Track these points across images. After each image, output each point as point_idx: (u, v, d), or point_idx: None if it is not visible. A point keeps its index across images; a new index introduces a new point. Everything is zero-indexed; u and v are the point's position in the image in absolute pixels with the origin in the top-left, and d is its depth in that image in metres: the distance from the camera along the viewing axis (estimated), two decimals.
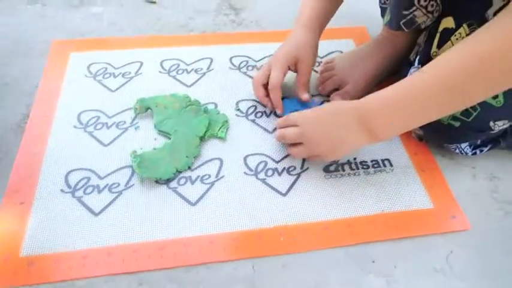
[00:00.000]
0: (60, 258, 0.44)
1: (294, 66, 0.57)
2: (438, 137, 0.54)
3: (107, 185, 0.50)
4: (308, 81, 0.58)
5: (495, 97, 0.46)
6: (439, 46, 0.49)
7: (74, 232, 0.46)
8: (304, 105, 0.58)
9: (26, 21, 0.73)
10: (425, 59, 0.51)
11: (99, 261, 0.44)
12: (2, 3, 0.76)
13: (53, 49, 0.67)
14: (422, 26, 0.50)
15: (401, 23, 0.50)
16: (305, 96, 0.57)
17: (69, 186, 0.50)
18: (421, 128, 0.52)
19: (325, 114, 0.49)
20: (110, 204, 0.48)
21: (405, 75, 0.56)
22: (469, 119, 0.48)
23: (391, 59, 0.61)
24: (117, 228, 0.46)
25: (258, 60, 0.68)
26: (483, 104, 0.47)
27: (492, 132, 0.50)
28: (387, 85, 0.62)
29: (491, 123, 0.49)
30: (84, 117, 0.57)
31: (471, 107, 0.47)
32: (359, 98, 0.61)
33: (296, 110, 0.53)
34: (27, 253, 0.44)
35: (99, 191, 0.49)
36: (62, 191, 0.49)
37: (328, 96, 0.61)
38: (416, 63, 0.52)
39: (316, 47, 0.58)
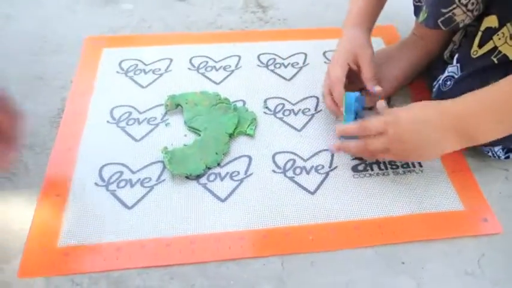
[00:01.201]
0: (94, 249, 0.45)
1: (353, 64, 0.55)
2: None
3: (139, 179, 0.51)
4: (373, 75, 0.55)
5: None
6: (480, 45, 0.48)
7: (108, 224, 0.47)
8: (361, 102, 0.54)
9: (58, 18, 0.75)
10: (465, 58, 0.50)
11: (132, 253, 0.45)
12: (35, 0, 0.78)
13: (85, 45, 0.68)
14: (461, 25, 0.49)
15: (439, 21, 0.49)
16: (377, 88, 0.54)
17: (103, 179, 0.51)
18: None
19: (414, 119, 0.45)
20: (142, 198, 0.49)
21: (439, 74, 0.56)
22: None
23: (423, 58, 0.60)
24: (150, 222, 0.47)
25: (286, 58, 0.68)
26: None
27: None
28: (418, 84, 0.63)
29: None
30: (116, 113, 0.58)
31: None
32: (389, 98, 0.61)
33: (357, 112, 0.52)
34: (64, 244, 0.45)
35: (132, 185, 0.50)
36: (96, 184, 0.50)
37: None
38: (455, 62, 0.52)
39: (371, 44, 0.57)
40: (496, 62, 0.47)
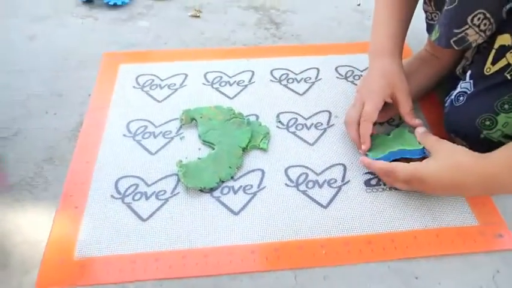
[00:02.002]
0: (110, 261, 0.46)
1: (390, 98, 0.55)
2: (486, 152, 0.52)
3: (154, 192, 0.52)
4: (412, 109, 0.54)
5: None
6: (494, 63, 0.48)
7: (123, 236, 0.48)
8: (406, 153, 0.52)
9: (79, 35, 0.77)
10: (478, 75, 0.50)
11: (147, 266, 0.46)
12: (57, 19, 0.81)
13: (103, 61, 0.71)
14: (473, 45, 0.49)
15: (451, 41, 0.49)
16: (416, 121, 0.54)
17: (119, 192, 0.52)
18: (469, 142, 0.51)
19: (442, 183, 0.46)
20: (157, 210, 0.50)
21: (451, 89, 0.56)
22: None
23: (436, 74, 0.61)
24: (164, 234, 0.48)
25: (298, 73, 0.69)
26: None
27: None
28: (430, 99, 0.63)
29: None
30: (132, 127, 0.60)
31: None
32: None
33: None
34: (80, 256, 0.46)
35: (147, 198, 0.52)
36: (112, 196, 0.52)
37: None
38: (468, 78, 0.52)
39: (404, 73, 0.56)
40: (509, 78, 0.47)
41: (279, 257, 0.46)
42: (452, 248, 0.47)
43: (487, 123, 0.48)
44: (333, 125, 0.61)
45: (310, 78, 0.68)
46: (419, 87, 0.61)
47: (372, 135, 0.54)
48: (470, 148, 0.51)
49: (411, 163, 0.48)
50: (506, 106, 0.47)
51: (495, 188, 0.45)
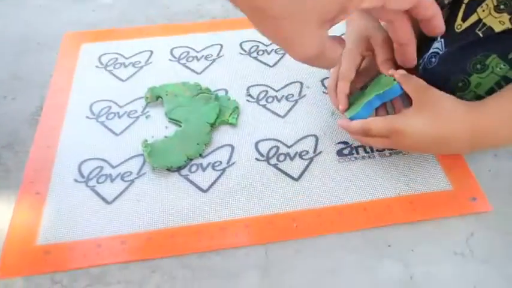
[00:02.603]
0: (75, 246, 0.44)
1: (367, 51, 0.51)
2: None
3: (119, 173, 0.50)
4: (388, 58, 0.49)
5: None
6: (464, 19, 0.46)
7: (88, 221, 0.46)
8: (382, 97, 0.48)
9: (39, 17, 0.73)
10: (448, 33, 0.48)
11: (113, 249, 0.44)
12: (16, 2, 0.77)
13: (64, 42, 0.67)
14: (446, 1, 0.47)
15: None
16: (391, 71, 0.48)
17: (82, 175, 0.50)
18: None
19: (423, 138, 0.43)
20: (122, 192, 0.48)
21: (425, 51, 0.54)
22: None
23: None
24: (130, 216, 0.46)
25: (269, 44, 0.67)
26: (511, 82, 0.45)
27: None
28: None
29: None
30: (96, 108, 0.57)
31: (497, 86, 0.45)
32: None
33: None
34: (43, 242, 0.44)
35: (112, 180, 0.50)
36: (75, 180, 0.50)
37: None
38: (438, 37, 0.50)
39: (383, 27, 0.51)
40: (480, 35, 0.45)
41: (249, 232, 0.45)
42: (426, 214, 0.46)
43: (460, 84, 0.47)
44: (305, 95, 0.59)
45: (281, 49, 0.66)
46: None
47: (350, 95, 0.51)
48: None
49: (388, 116, 0.46)
50: (478, 66, 0.45)
51: (485, 142, 0.43)
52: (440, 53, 0.49)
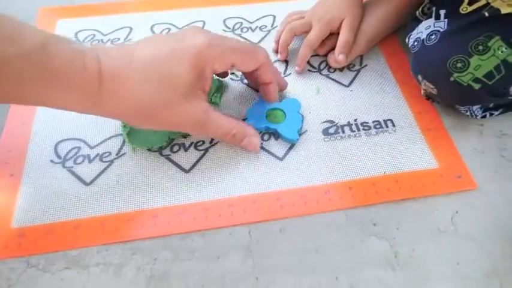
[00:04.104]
0: (51, 228, 0.43)
1: (336, 28, 0.56)
2: (453, 97, 0.50)
3: (98, 154, 0.48)
4: (347, 43, 0.55)
5: None
6: (471, 3, 0.46)
7: (65, 202, 0.44)
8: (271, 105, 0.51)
9: None
10: (453, 14, 0.47)
11: (92, 231, 0.43)
12: None
13: (39, 17, 0.64)
14: None
15: None
16: (341, 57, 0.55)
17: (59, 156, 0.48)
18: (436, 87, 0.49)
19: None
20: (101, 173, 0.47)
21: (409, 31, 0.53)
22: (491, 82, 0.45)
23: (391, 14, 0.57)
24: (109, 197, 0.45)
25: (253, 21, 0.65)
26: (509, 68, 0.44)
27: (508, 98, 0.47)
28: (389, 41, 0.60)
29: (511, 89, 0.45)
30: None
31: (496, 70, 0.44)
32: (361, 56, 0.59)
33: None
34: (18, 225, 0.43)
35: (90, 161, 0.48)
36: (51, 161, 0.48)
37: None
38: (442, 17, 0.49)
39: (362, 5, 0.57)
40: (486, 15, 0.44)
41: (232, 212, 0.44)
42: (412, 192, 0.46)
43: (459, 65, 0.45)
44: (290, 74, 0.57)
45: (266, 26, 0.64)
46: (376, 28, 0.57)
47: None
48: (438, 92, 0.49)
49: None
50: (480, 47, 0.44)
51: None
52: (442, 30, 0.48)
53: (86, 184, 0.46)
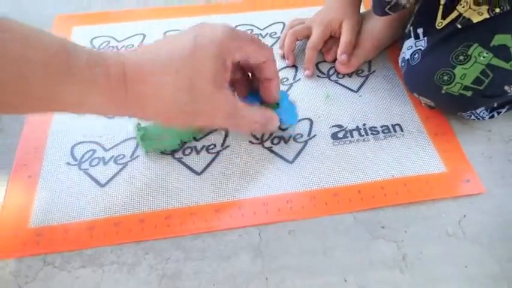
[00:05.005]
0: (67, 228, 0.44)
1: (336, 31, 0.58)
2: (451, 107, 0.51)
3: (112, 156, 0.50)
4: (349, 42, 0.57)
5: (508, 60, 0.44)
6: (444, 17, 0.47)
7: (80, 203, 0.46)
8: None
9: None
10: (430, 32, 0.49)
11: (106, 231, 0.44)
12: None
13: (55, 23, 0.66)
14: (408, 6, 0.48)
15: (386, 9, 0.49)
16: (342, 57, 0.56)
17: (75, 158, 0.50)
18: (431, 99, 0.50)
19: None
20: (115, 175, 0.48)
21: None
22: (482, 87, 0.46)
23: (395, 21, 0.58)
24: (123, 198, 0.46)
25: (263, 29, 0.66)
26: (496, 70, 0.44)
27: (508, 95, 0.47)
28: (396, 47, 0.61)
29: (506, 87, 0.46)
30: None
31: (483, 74, 0.45)
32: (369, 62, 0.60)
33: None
34: (36, 224, 0.44)
35: (105, 163, 0.49)
36: (68, 163, 0.49)
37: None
38: (421, 36, 0.50)
39: (358, 11, 0.59)
40: (459, 27, 0.45)
41: (243, 214, 0.45)
42: (420, 196, 0.46)
43: (445, 77, 0.46)
44: (299, 79, 0.59)
45: (276, 33, 0.66)
46: (381, 34, 0.59)
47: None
48: (436, 105, 0.51)
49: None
50: (461, 57, 0.45)
51: None
52: (423, 49, 0.49)
53: (101, 186, 0.47)
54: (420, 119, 0.53)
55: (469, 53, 0.45)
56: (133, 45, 0.63)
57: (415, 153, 0.50)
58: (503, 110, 0.52)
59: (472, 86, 0.46)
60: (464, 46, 0.45)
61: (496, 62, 0.44)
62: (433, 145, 0.51)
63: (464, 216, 0.45)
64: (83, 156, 0.50)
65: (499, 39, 0.44)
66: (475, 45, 0.45)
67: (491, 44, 0.44)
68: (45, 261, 0.42)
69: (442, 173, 0.48)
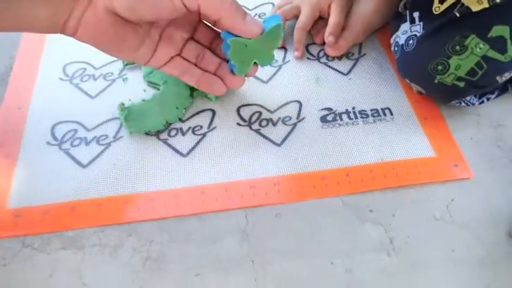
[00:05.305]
0: (48, 209, 0.42)
1: (325, 11, 0.57)
2: (442, 96, 0.51)
3: (95, 137, 0.48)
4: (337, 24, 0.55)
5: (503, 52, 0.43)
6: (442, 1, 0.45)
7: (61, 184, 0.44)
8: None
9: None
10: (427, 17, 0.47)
11: (88, 212, 0.42)
12: None
13: None
14: None
15: None
16: (329, 39, 0.55)
17: (55, 138, 0.48)
18: (422, 87, 0.50)
19: None
20: (98, 156, 0.47)
21: (396, 27, 0.53)
22: (475, 78, 0.45)
23: (385, 3, 0.57)
24: (106, 179, 0.45)
25: (253, 9, 0.64)
26: (491, 62, 0.44)
27: (498, 83, 0.47)
28: (386, 30, 0.60)
29: (498, 77, 0.46)
30: (69, 69, 0.54)
31: (478, 66, 0.44)
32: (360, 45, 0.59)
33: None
34: (14, 205, 0.43)
35: (87, 143, 0.48)
36: (48, 143, 0.47)
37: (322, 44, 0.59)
38: (417, 21, 0.48)
39: None
40: (458, 15, 0.43)
41: (229, 197, 0.44)
42: (408, 180, 0.46)
43: (439, 67, 0.45)
44: (289, 61, 0.57)
45: (266, 14, 0.64)
46: (371, 16, 0.57)
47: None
48: (427, 92, 0.50)
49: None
50: (457, 48, 0.44)
51: None
52: (418, 35, 0.48)
53: (83, 166, 0.46)
54: (410, 103, 0.53)
55: (466, 43, 0.43)
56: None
57: (404, 137, 0.49)
58: (493, 96, 0.52)
59: (466, 77, 0.45)
60: (461, 36, 0.43)
61: (491, 54, 0.43)
62: (422, 129, 0.50)
63: (452, 200, 0.45)
64: (63, 136, 0.48)
65: (496, 31, 0.43)
66: (473, 36, 0.43)
67: (489, 36, 0.43)
68: (23, 243, 0.40)
69: (430, 157, 0.48)
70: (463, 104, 0.51)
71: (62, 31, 0.36)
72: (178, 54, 0.43)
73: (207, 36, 0.44)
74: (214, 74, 0.45)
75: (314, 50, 0.59)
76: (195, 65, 0.44)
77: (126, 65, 0.55)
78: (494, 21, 0.42)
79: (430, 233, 0.42)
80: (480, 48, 0.43)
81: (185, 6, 0.35)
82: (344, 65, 0.57)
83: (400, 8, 0.54)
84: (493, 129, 0.51)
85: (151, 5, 0.34)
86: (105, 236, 0.41)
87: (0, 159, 0.46)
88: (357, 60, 0.58)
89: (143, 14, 0.35)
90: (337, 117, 0.51)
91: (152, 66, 0.42)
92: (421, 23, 0.48)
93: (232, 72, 0.44)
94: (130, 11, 0.35)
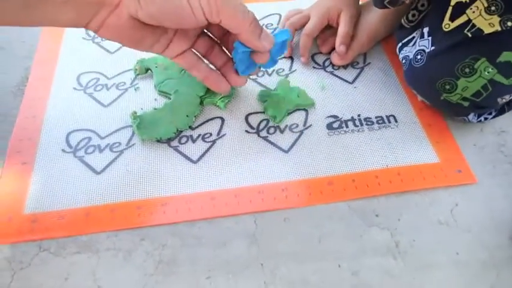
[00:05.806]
0: (62, 214, 0.44)
1: (334, 21, 0.58)
2: (446, 111, 0.52)
3: (108, 144, 0.50)
4: (346, 34, 0.56)
5: (508, 77, 0.44)
6: (452, 19, 0.45)
7: (76, 190, 0.46)
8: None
9: None
10: (436, 32, 0.47)
11: (102, 217, 0.44)
12: None
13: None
14: (407, 1, 0.48)
15: (385, 2, 0.48)
16: (342, 48, 0.56)
17: (70, 146, 0.49)
18: (428, 100, 0.51)
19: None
20: (111, 163, 0.48)
21: (400, 37, 0.55)
22: (479, 99, 0.46)
23: (390, 13, 0.58)
24: (119, 186, 0.46)
25: (260, 20, 0.66)
26: (496, 85, 0.44)
27: (498, 105, 0.49)
28: (391, 40, 0.61)
29: (499, 99, 0.47)
30: (83, 79, 0.56)
31: (483, 88, 0.45)
32: (364, 54, 0.60)
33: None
34: (31, 211, 0.44)
35: (101, 151, 0.49)
36: (63, 151, 0.49)
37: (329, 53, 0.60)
38: (426, 35, 0.49)
39: (359, 4, 0.59)
40: (469, 35, 0.43)
41: (238, 202, 0.45)
42: (413, 185, 0.47)
43: (447, 87, 0.46)
44: (295, 70, 0.59)
45: (272, 25, 0.66)
46: (376, 26, 0.59)
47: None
48: (432, 105, 0.52)
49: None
50: (467, 70, 0.44)
51: None
52: (427, 50, 0.48)
53: (97, 173, 0.47)
54: (414, 110, 0.54)
55: (476, 66, 0.44)
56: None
57: (408, 143, 0.51)
58: (490, 117, 0.52)
59: (471, 98, 0.46)
60: (472, 58, 0.44)
61: (498, 77, 0.44)
62: (426, 136, 0.51)
63: (456, 205, 0.46)
64: (78, 143, 0.50)
65: (505, 56, 0.43)
66: (483, 59, 0.43)
67: (498, 60, 0.43)
68: (40, 247, 0.42)
69: (435, 163, 0.49)
70: (466, 119, 0.52)
71: (84, 27, 0.38)
72: (190, 48, 0.45)
73: (219, 30, 0.46)
74: (219, 70, 0.48)
75: (320, 59, 0.60)
76: (204, 57, 0.47)
77: (137, 74, 0.56)
78: (504, 46, 0.43)
79: (434, 236, 0.43)
80: (488, 72, 0.44)
81: (207, 19, 0.37)
82: (349, 73, 0.58)
83: (403, 21, 0.55)
84: (496, 136, 0.52)
85: (175, 18, 0.36)
86: (119, 240, 0.42)
87: (17, 167, 0.47)
88: (361, 69, 0.59)
89: (166, 24, 0.38)
90: (343, 125, 0.52)
91: (164, 56, 0.44)
92: (430, 38, 0.49)
93: (236, 72, 0.47)
94: (153, 20, 0.37)
